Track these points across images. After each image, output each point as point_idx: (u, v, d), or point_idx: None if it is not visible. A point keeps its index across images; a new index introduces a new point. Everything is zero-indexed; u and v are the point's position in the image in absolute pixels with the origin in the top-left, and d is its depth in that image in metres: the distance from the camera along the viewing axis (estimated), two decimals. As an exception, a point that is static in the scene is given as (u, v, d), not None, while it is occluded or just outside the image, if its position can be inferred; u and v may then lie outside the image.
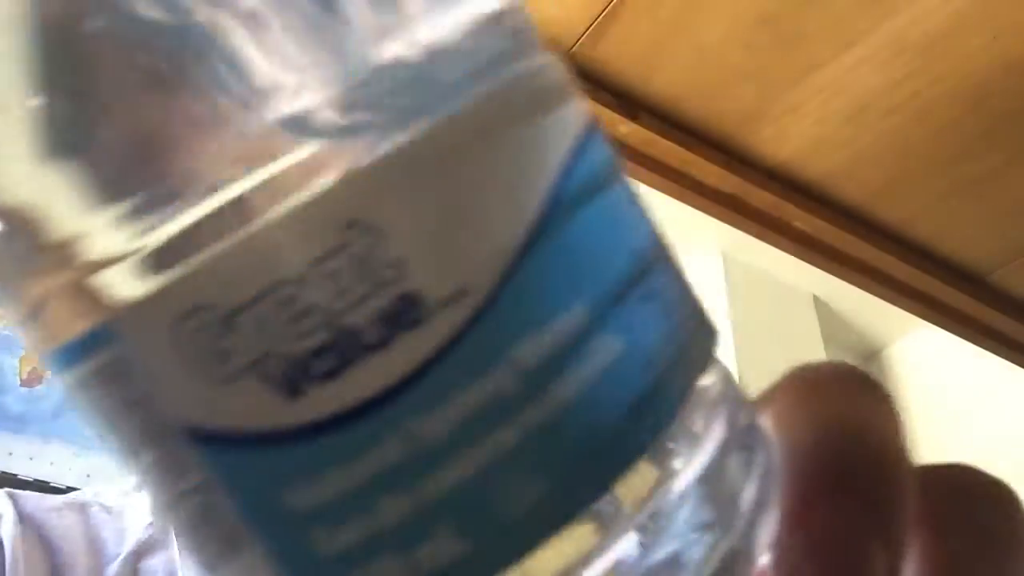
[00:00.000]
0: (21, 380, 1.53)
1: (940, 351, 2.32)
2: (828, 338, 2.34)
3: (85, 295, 0.09)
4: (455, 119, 0.09)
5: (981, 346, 1.12)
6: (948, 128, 0.81)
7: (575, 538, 0.09)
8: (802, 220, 0.90)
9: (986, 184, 0.88)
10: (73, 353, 0.09)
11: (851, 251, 0.95)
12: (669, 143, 0.80)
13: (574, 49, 0.74)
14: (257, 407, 0.09)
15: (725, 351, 2.06)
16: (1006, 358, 1.16)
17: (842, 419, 0.11)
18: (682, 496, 0.10)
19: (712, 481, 0.10)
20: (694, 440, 0.10)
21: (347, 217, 0.09)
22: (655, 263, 0.10)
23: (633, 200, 0.11)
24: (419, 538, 0.09)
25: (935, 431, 2.38)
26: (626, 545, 0.09)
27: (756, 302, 2.22)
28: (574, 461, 0.09)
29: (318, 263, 0.09)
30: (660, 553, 0.09)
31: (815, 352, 2.27)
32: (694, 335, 0.11)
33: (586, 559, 0.09)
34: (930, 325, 1.09)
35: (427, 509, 0.09)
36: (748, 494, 0.10)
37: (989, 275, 1.03)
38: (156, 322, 0.09)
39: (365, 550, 0.09)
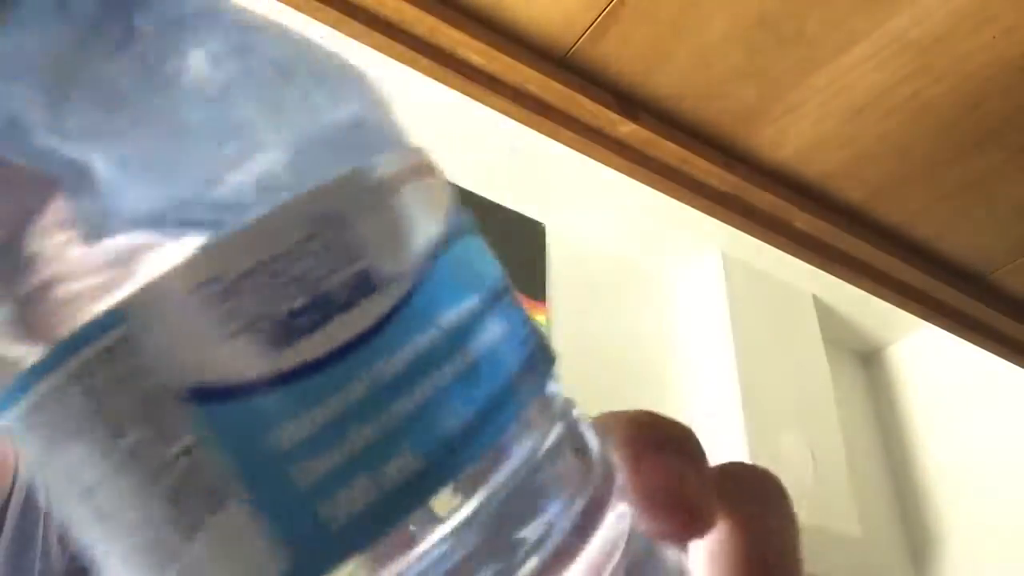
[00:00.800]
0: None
1: (940, 351, 2.32)
2: (828, 338, 2.34)
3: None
4: (378, 173, 0.13)
5: (981, 346, 1.12)
6: (948, 128, 0.82)
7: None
8: (802, 220, 0.90)
9: (986, 184, 0.89)
10: (76, 341, 0.11)
11: (851, 251, 0.95)
12: (669, 143, 0.80)
13: (574, 49, 0.74)
14: (251, 359, 0.11)
15: (725, 351, 2.06)
16: (1006, 358, 1.16)
17: (652, 416, 0.17)
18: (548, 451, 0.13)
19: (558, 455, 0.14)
20: (553, 412, 0.14)
21: (322, 211, 0.12)
22: (509, 284, 0.15)
23: (486, 246, 0.15)
24: (384, 458, 0.11)
25: (935, 431, 2.38)
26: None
27: (756, 302, 2.22)
28: (490, 398, 0.12)
29: (301, 243, 0.11)
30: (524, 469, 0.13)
31: (815, 352, 2.27)
32: (542, 343, 0.15)
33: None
34: (930, 325, 1.09)
35: (389, 434, 0.11)
36: (585, 486, 0.14)
37: (989, 275, 1.03)
38: (170, 296, 0.11)
39: (340, 476, 0.11)
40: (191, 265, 0.11)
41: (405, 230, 0.13)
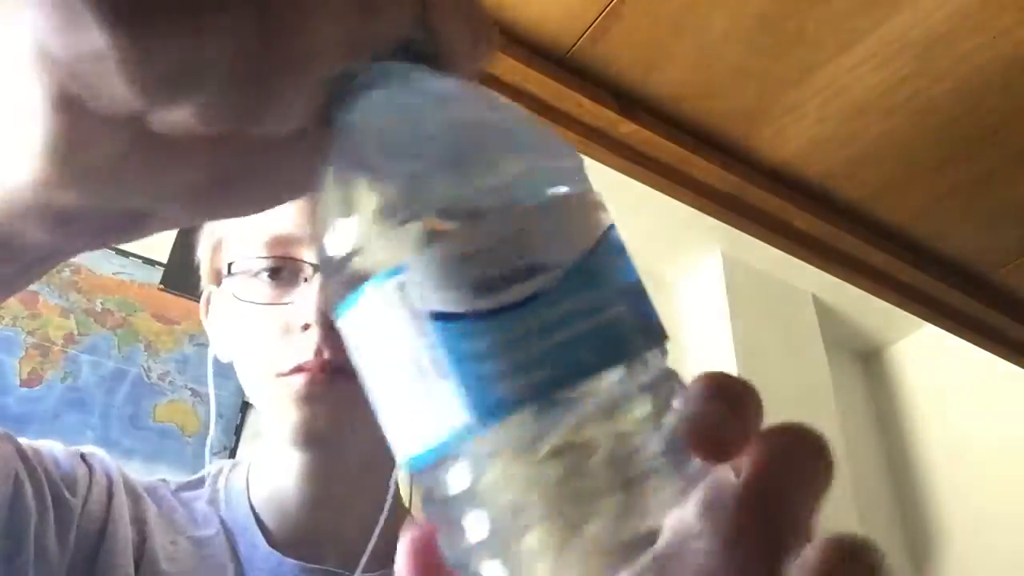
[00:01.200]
0: (21, 380, 1.53)
1: (940, 351, 2.32)
2: (828, 338, 2.34)
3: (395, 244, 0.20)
4: (565, 196, 0.21)
5: (981, 346, 1.12)
6: (948, 128, 0.82)
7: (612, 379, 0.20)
8: (802, 220, 0.90)
9: (986, 184, 0.89)
10: (383, 277, 0.20)
11: (851, 251, 0.95)
12: (669, 143, 0.80)
13: (574, 49, 0.74)
14: (470, 299, 0.19)
15: (725, 351, 2.06)
16: (1006, 358, 1.16)
17: (721, 375, 0.21)
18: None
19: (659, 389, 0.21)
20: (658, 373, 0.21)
21: (520, 227, 0.20)
22: (641, 284, 0.22)
23: (630, 260, 0.22)
24: (534, 368, 0.19)
25: (935, 431, 2.38)
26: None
27: (756, 302, 2.22)
28: (613, 340, 0.20)
29: (506, 239, 0.19)
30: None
31: (815, 352, 2.27)
32: (659, 322, 0.22)
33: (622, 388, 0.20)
34: (930, 325, 1.09)
35: (539, 355, 0.19)
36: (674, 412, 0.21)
37: (989, 275, 1.03)
38: (433, 258, 0.19)
39: (509, 375, 0.19)
40: (455, 239, 0.19)
41: (566, 239, 0.20)
